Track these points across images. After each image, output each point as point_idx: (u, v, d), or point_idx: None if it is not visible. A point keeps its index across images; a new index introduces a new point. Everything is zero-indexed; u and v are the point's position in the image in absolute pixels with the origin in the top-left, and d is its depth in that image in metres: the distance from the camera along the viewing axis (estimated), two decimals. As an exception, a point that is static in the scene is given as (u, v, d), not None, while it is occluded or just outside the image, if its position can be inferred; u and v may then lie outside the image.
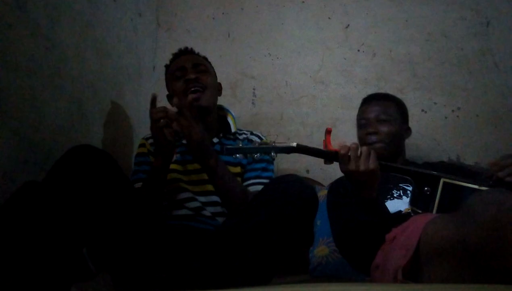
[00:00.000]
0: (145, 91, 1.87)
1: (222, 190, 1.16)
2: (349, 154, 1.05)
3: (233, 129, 1.37)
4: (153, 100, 1.13)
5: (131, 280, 1.00)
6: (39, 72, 1.14)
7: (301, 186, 1.02)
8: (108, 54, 1.55)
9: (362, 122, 1.44)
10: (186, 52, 1.40)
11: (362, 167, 1.04)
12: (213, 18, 2.06)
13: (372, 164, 1.05)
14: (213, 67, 1.44)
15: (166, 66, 1.42)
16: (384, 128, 1.39)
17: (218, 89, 1.42)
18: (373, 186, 1.10)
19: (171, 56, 1.42)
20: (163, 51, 2.02)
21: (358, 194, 1.12)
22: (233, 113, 1.42)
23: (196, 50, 1.43)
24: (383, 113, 1.41)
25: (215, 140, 1.34)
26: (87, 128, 1.39)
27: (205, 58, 1.43)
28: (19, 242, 0.81)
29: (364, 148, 1.07)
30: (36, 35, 1.13)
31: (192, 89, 1.26)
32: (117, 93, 1.62)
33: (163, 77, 1.46)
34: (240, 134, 1.40)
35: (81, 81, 1.36)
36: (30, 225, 0.84)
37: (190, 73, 1.29)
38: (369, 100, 1.49)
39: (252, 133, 1.39)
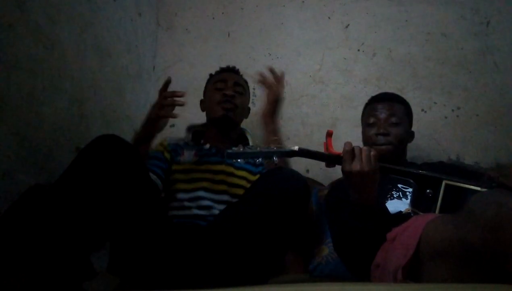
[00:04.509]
0: (145, 91, 1.87)
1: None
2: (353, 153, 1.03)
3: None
4: (167, 83, 1.21)
5: (139, 279, 0.99)
6: (39, 72, 1.14)
7: (291, 178, 1.03)
8: (108, 54, 1.55)
9: (372, 121, 1.42)
10: (232, 70, 1.51)
11: (366, 167, 1.01)
12: (213, 18, 2.06)
13: (374, 164, 1.03)
14: (249, 91, 1.53)
15: (211, 75, 1.52)
16: (394, 131, 1.37)
17: (246, 112, 1.50)
18: (372, 190, 1.07)
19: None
20: (163, 51, 2.02)
21: (357, 199, 1.08)
22: (250, 133, 1.50)
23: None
24: (394, 115, 1.40)
25: None
26: (87, 128, 1.39)
27: (246, 82, 1.52)
28: (22, 243, 0.81)
29: (367, 148, 1.05)
30: (36, 35, 1.13)
31: (225, 106, 1.37)
32: (117, 93, 1.62)
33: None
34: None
35: (81, 81, 1.36)
36: (36, 226, 0.83)
37: (229, 88, 1.39)
38: (379, 100, 1.46)
39: None
